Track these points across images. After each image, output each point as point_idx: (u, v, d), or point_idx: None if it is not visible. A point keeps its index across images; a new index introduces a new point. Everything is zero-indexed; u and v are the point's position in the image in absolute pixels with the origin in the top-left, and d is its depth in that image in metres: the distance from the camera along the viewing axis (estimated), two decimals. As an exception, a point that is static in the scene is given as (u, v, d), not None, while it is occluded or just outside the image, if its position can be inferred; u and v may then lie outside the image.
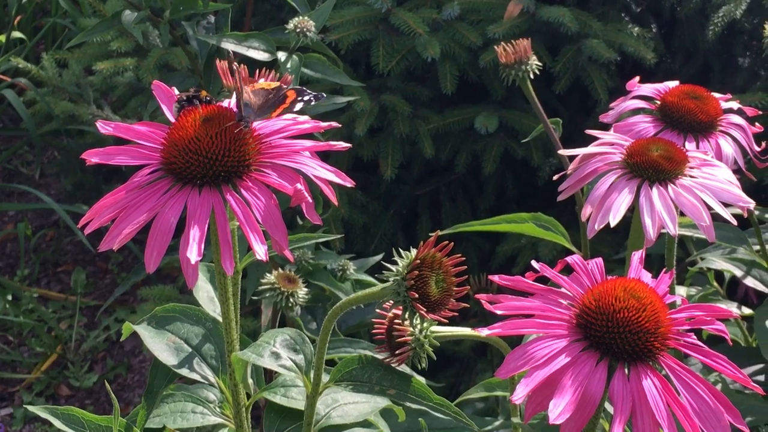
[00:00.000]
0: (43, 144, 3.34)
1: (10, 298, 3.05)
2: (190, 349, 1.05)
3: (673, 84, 1.34)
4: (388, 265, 0.94)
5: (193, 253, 0.82)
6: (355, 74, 2.51)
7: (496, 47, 1.51)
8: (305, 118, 0.95)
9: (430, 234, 1.45)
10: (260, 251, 0.83)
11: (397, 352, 1.00)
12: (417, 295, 0.88)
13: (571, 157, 1.20)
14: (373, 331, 1.03)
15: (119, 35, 2.50)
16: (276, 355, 0.97)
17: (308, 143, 0.92)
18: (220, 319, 1.09)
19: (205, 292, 1.14)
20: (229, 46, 1.66)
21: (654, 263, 2.45)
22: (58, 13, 3.57)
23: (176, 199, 0.87)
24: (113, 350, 2.97)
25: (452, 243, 0.92)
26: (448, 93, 2.40)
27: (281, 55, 1.67)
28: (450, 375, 2.48)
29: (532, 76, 1.49)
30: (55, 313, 3.04)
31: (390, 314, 1.01)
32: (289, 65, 1.64)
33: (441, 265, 0.91)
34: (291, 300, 1.37)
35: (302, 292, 1.39)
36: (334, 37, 2.36)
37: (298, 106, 0.98)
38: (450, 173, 2.64)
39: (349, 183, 0.89)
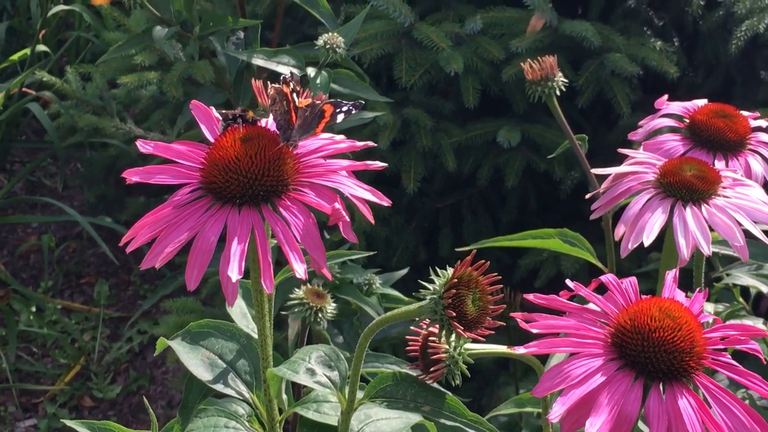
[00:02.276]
0: (66, 156, 3.37)
1: (34, 309, 3.07)
2: (224, 365, 1.06)
3: (701, 102, 1.34)
4: (423, 284, 0.95)
5: (234, 271, 0.83)
6: (377, 87, 2.51)
7: (522, 64, 1.52)
8: (341, 137, 0.96)
9: (459, 249, 1.45)
10: (300, 270, 0.84)
11: (431, 369, 1.00)
12: (455, 314, 0.89)
13: (603, 177, 1.21)
14: (407, 348, 1.04)
15: (143, 49, 2.52)
16: (311, 372, 0.98)
17: (345, 163, 0.93)
18: (253, 334, 1.10)
19: (238, 308, 1.15)
20: (259, 61, 1.68)
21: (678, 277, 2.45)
22: (82, 27, 3.60)
23: (216, 218, 0.88)
24: (136, 362, 2.98)
25: (488, 262, 0.92)
26: (470, 107, 2.40)
27: (311, 71, 1.68)
28: (472, 388, 2.48)
29: (558, 93, 1.50)
30: (78, 324, 3.06)
31: (424, 331, 1.02)
32: (318, 81, 1.65)
33: (477, 283, 0.92)
34: (319, 315, 1.38)
35: (330, 307, 1.40)
36: (358, 51, 2.37)
37: (340, 117, 0.99)
38: (471, 186, 2.65)
39: (386, 202, 0.90)
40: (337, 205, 0.87)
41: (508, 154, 2.47)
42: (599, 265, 1.52)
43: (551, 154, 2.46)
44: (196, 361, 1.04)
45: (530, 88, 1.51)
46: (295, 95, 0.95)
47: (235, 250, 0.84)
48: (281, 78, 0.96)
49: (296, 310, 1.36)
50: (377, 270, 1.87)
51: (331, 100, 0.98)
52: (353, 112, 0.99)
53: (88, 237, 3.27)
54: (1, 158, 3.47)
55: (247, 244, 0.85)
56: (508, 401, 1.24)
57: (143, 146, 0.96)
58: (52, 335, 2.99)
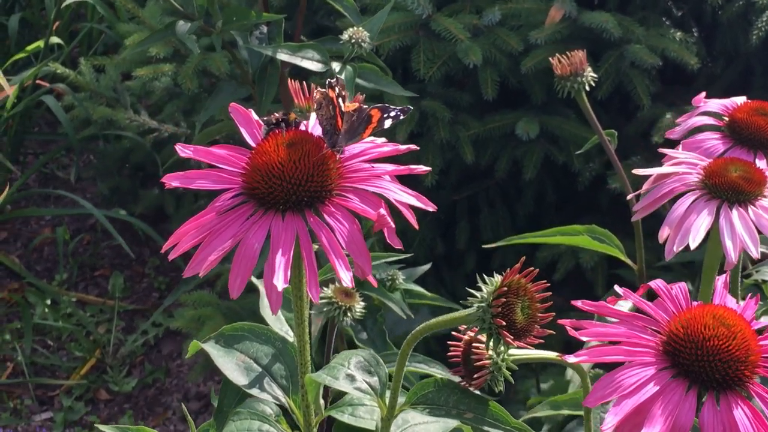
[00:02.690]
0: (79, 148, 3.36)
1: (48, 302, 3.06)
2: (259, 369, 1.04)
3: (740, 100, 1.32)
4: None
5: (279, 280, 0.82)
6: (393, 79, 2.50)
7: (551, 59, 1.50)
8: (383, 140, 0.95)
9: (485, 246, 1.43)
10: (346, 278, 0.83)
11: (475, 375, 0.99)
12: (504, 323, 0.88)
13: (635, 173, 1.19)
14: (449, 354, 1.02)
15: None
16: (351, 378, 0.96)
17: (389, 167, 0.91)
18: (288, 337, 1.09)
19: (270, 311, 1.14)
20: (283, 56, 1.66)
21: (697, 270, 2.44)
22: (95, 18, 3.58)
23: (259, 225, 0.86)
24: (151, 354, 2.97)
25: (537, 269, 0.91)
26: (488, 99, 2.39)
27: (335, 66, 1.66)
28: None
29: (587, 88, 1.48)
30: (93, 317, 3.05)
31: (466, 337, 1.01)
32: (344, 76, 1.63)
33: (526, 291, 0.90)
34: (348, 315, 1.36)
35: (359, 306, 1.38)
36: (375, 43, 2.35)
37: (388, 123, 0.97)
38: (488, 178, 2.63)
39: (431, 207, 0.89)
40: (383, 211, 0.86)
41: (527, 146, 2.46)
42: (629, 262, 1.51)
43: (570, 145, 2.46)
44: (231, 365, 1.03)
45: (559, 83, 1.49)
46: (340, 100, 0.93)
47: (280, 258, 0.83)
48: (327, 82, 0.94)
49: (325, 309, 1.35)
50: (402, 266, 1.85)
51: (378, 104, 0.97)
52: (401, 117, 0.97)
53: (103, 229, 3.26)
54: (14, 150, 3.46)
55: (292, 252, 0.84)
56: (543, 403, 1.23)
57: (182, 150, 0.95)
58: (67, 328, 2.98)
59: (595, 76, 1.50)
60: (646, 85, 2.40)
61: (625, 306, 1.00)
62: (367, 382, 0.98)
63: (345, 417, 1.06)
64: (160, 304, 3.09)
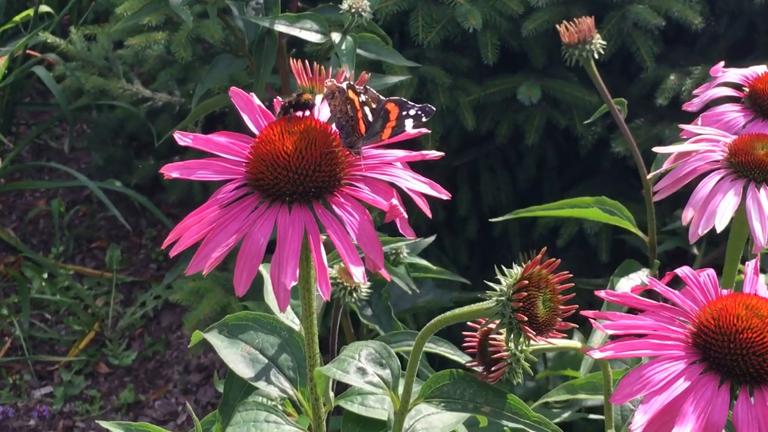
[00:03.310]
0: (72, 118, 3.31)
1: (45, 276, 3.02)
2: (266, 360, 1.00)
3: (761, 69, 1.27)
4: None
5: (288, 277, 0.77)
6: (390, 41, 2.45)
7: (558, 26, 1.45)
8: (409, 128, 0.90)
9: (492, 220, 1.39)
10: (358, 273, 0.78)
11: (493, 368, 0.95)
12: (525, 318, 0.83)
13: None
14: (464, 344, 0.99)
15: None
16: (362, 371, 0.93)
17: (400, 153, 0.87)
18: (294, 326, 1.05)
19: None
20: (281, 28, 1.61)
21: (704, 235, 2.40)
22: (84, -15, 3.52)
23: (265, 218, 0.82)
24: (150, 327, 2.94)
25: (559, 260, 0.86)
26: (489, 63, 2.34)
27: (335, 37, 1.61)
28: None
29: (596, 56, 1.44)
30: (90, 290, 3.01)
31: (483, 327, 0.97)
32: (344, 47, 1.58)
33: (548, 283, 0.86)
34: (354, 295, 1.32)
35: (365, 286, 1.34)
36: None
37: (408, 124, 0.91)
38: (489, 143, 2.59)
39: (445, 195, 0.85)
40: (395, 201, 0.82)
41: (528, 110, 2.41)
42: (640, 234, 1.47)
43: (572, 109, 2.41)
44: (236, 357, 0.99)
45: (566, 51, 1.45)
46: (367, 109, 0.88)
47: (288, 253, 0.79)
48: (345, 83, 0.89)
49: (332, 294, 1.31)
50: (405, 240, 1.81)
51: (394, 98, 0.91)
52: (423, 119, 0.91)
53: (98, 200, 3.22)
54: (6, 121, 3.40)
55: (300, 247, 0.80)
56: (559, 387, 1.19)
57: (181, 138, 0.91)
58: (65, 302, 2.95)
59: (604, 43, 1.46)
60: (650, 46, 2.35)
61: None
62: (378, 375, 0.94)
63: (355, 407, 1.03)
64: (158, 275, 3.05)
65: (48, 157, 3.44)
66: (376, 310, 1.66)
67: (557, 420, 1.54)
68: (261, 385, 0.98)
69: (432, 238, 1.89)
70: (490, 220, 1.57)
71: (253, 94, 0.93)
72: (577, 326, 0.88)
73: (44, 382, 2.80)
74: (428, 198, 2.32)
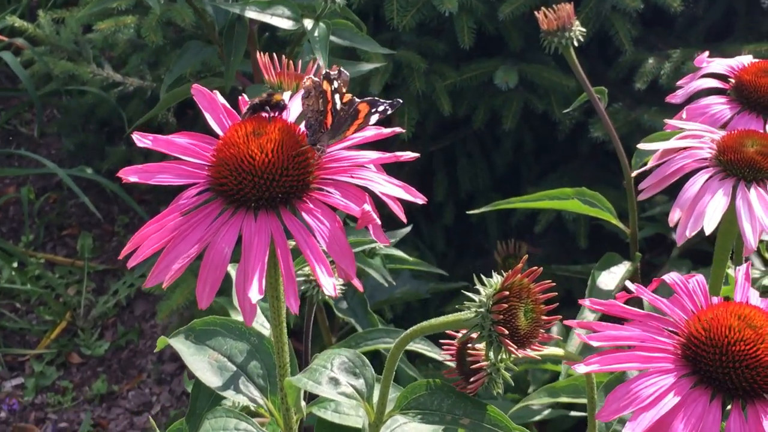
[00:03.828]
0: (42, 103, 3.24)
1: (15, 265, 2.96)
2: (234, 368, 0.96)
3: (747, 59, 1.22)
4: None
5: (253, 291, 0.73)
6: (365, 27, 2.41)
7: (536, 13, 1.41)
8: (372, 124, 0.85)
9: (469, 212, 1.35)
10: (328, 285, 0.74)
11: (472, 379, 0.91)
12: (506, 331, 0.79)
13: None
14: (442, 353, 0.95)
15: (120, -8, 2.40)
16: (335, 381, 0.89)
17: (374, 155, 0.82)
18: (264, 331, 1.01)
19: (246, 301, 1.05)
20: (252, 14, 1.55)
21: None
22: (52, -33, 3.45)
23: (229, 226, 0.77)
24: (123, 315, 2.89)
25: (540, 268, 0.82)
26: (465, 47, 2.30)
27: (308, 23, 1.55)
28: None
29: (576, 44, 1.40)
30: (62, 278, 2.96)
31: (460, 335, 0.93)
32: (316, 33, 1.53)
33: (530, 293, 0.82)
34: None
35: (339, 283, 1.30)
36: (347, -8, 2.25)
37: (374, 119, 0.87)
38: (466, 129, 2.55)
39: (421, 200, 0.80)
40: (367, 207, 0.77)
41: (505, 95, 2.38)
42: (621, 226, 1.44)
43: (549, 93, 2.38)
44: (203, 365, 0.95)
45: (545, 38, 1.41)
46: (337, 97, 0.83)
47: (253, 265, 0.74)
48: (324, 73, 0.84)
49: (302, 288, 1.26)
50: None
51: (368, 98, 0.87)
52: (389, 111, 0.87)
53: (69, 187, 3.16)
54: (-27, 107, 3.34)
55: (266, 257, 0.75)
56: (540, 390, 1.15)
57: (140, 140, 0.86)
58: (36, 291, 2.89)
59: (583, 30, 1.42)
60: (628, 30, 2.32)
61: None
62: (352, 385, 0.90)
63: (328, 414, 0.99)
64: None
65: (18, 143, 3.38)
66: (351, 303, 1.61)
67: (538, 417, 1.51)
68: (229, 394, 0.94)
69: (408, 229, 1.85)
70: (467, 212, 1.53)
71: (216, 92, 0.89)
72: (560, 319, 0.83)
73: (15, 373, 2.75)
74: (405, 182, 2.27)
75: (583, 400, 1.10)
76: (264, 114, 0.83)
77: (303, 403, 0.95)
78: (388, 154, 0.83)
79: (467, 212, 1.57)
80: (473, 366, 0.92)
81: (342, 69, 0.86)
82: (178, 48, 2.62)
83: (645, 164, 1.50)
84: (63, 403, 2.64)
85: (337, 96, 0.84)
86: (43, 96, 3.14)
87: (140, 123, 2.00)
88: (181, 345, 0.97)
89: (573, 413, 1.59)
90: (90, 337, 2.80)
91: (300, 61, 1.18)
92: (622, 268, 1.47)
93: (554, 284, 0.83)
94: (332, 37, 1.58)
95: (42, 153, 3.22)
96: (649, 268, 2.38)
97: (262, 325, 1.03)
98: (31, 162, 3.26)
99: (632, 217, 1.49)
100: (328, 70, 0.85)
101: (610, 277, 1.45)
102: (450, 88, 2.36)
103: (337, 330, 1.89)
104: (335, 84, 0.84)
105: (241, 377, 0.96)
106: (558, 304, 0.86)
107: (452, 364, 0.97)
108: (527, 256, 0.88)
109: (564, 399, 1.15)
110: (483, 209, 1.48)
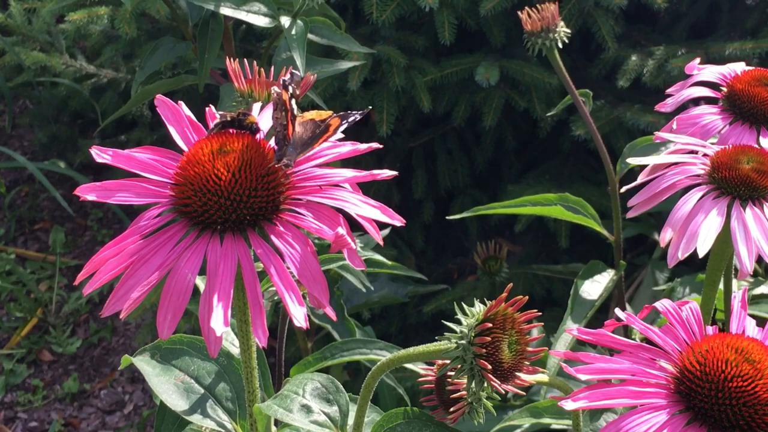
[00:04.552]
0: (13, 94, 3.17)
1: (-15, 260, 2.91)
2: (202, 390, 0.91)
3: (739, 67, 1.17)
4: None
5: (218, 322, 0.68)
6: (343, 21, 2.36)
7: (519, 13, 1.36)
8: (339, 137, 0.81)
9: (449, 218, 1.31)
10: (299, 315, 0.69)
11: (451, 409, 0.87)
12: (489, 366, 0.74)
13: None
14: (420, 380, 0.90)
15: (92, -17, 2.35)
16: (307, 409, 0.84)
17: (349, 173, 0.77)
18: (233, 349, 0.96)
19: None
20: (226, 11, 1.49)
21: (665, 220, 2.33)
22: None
23: (193, 250, 0.72)
24: (96, 312, 2.84)
25: (527, 297, 0.77)
26: (446, 43, 2.25)
27: (285, 21, 1.50)
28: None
29: (560, 45, 1.35)
30: (33, 274, 2.90)
31: (440, 362, 0.88)
32: (294, 31, 1.47)
33: (514, 323, 0.77)
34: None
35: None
36: (325, -14, 2.20)
37: (342, 128, 0.82)
38: (446, 125, 2.51)
39: (398, 221, 0.75)
40: (341, 230, 0.72)
41: (486, 92, 2.34)
42: (605, 233, 1.39)
43: (531, 90, 2.33)
44: (169, 387, 0.90)
45: (529, 39, 1.36)
46: (293, 102, 0.78)
47: (218, 293, 0.69)
48: (281, 80, 0.79)
49: (276, 297, 1.21)
50: (360, 233, 1.72)
51: (341, 113, 0.81)
52: (358, 119, 0.82)
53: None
54: (-57, 98, 3.27)
55: (233, 284, 0.70)
56: (522, 409, 1.11)
57: (99, 155, 0.80)
58: (6, 287, 2.83)
59: (568, 31, 1.37)
60: (611, 26, 2.28)
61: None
62: (325, 413, 0.85)
63: (300, 438, 0.94)
64: (103, 259, 2.94)
65: (-12, 135, 3.32)
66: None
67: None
68: (196, 419, 0.89)
69: (386, 231, 1.80)
70: (447, 217, 1.49)
71: (181, 103, 0.83)
72: (540, 314, 0.79)
73: (-16, 371, 2.70)
74: (381, 181, 2.22)
75: (567, 421, 1.06)
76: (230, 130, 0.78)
77: (273, 429, 0.90)
78: (364, 173, 0.77)
79: (447, 218, 1.52)
80: (453, 396, 0.88)
81: (293, 71, 0.81)
82: (153, 39, 2.56)
83: (630, 170, 1.46)
84: (33, 401, 2.58)
85: (293, 102, 0.79)
86: (14, 87, 3.07)
87: (112, 119, 1.95)
88: (145, 365, 0.92)
89: (555, 426, 1.55)
90: (61, 335, 2.75)
91: (272, 68, 1.13)
92: (606, 277, 1.42)
93: (540, 313, 0.78)
94: (310, 35, 1.53)
95: (14, 145, 3.15)
96: (631, 269, 2.35)
97: (231, 343, 0.98)
98: (2, 155, 3.20)
99: (616, 225, 1.45)
100: (284, 78, 0.80)
101: (594, 286, 1.41)
102: (430, 84, 2.32)
103: (314, 334, 1.85)
104: (290, 89, 0.79)
105: (209, 400, 0.91)
106: (539, 305, 0.81)
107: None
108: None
109: (547, 420, 1.10)
110: (464, 215, 1.44)
